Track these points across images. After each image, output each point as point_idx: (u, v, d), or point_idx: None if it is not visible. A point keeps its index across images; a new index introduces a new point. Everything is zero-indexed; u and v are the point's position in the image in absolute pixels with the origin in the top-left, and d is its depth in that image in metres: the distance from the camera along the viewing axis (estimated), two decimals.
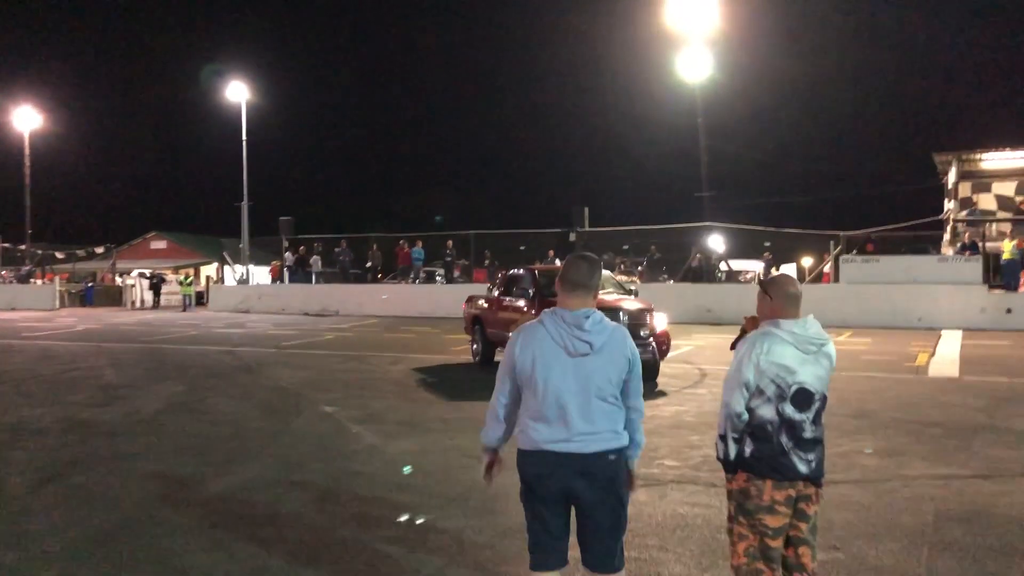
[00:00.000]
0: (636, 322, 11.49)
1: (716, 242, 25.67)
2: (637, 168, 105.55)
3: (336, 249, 30.94)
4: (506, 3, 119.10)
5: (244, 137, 34.45)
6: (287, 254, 32.26)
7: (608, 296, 12.22)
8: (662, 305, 23.38)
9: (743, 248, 27.66)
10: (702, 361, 14.61)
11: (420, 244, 29.47)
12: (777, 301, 3.29)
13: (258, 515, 5.56)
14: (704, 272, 25.43)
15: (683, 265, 25.95)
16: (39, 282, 37.47)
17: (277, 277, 33.37)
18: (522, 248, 28.16)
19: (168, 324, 25.33)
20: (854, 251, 23.49)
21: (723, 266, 26.69)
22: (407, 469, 6.85)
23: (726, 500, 3.40)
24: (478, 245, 28.92)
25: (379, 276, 31.31)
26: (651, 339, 11.71)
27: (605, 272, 13.80)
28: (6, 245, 39.53)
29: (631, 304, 12.24)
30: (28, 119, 37.77)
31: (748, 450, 3.18)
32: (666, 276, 27.20)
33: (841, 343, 16.38)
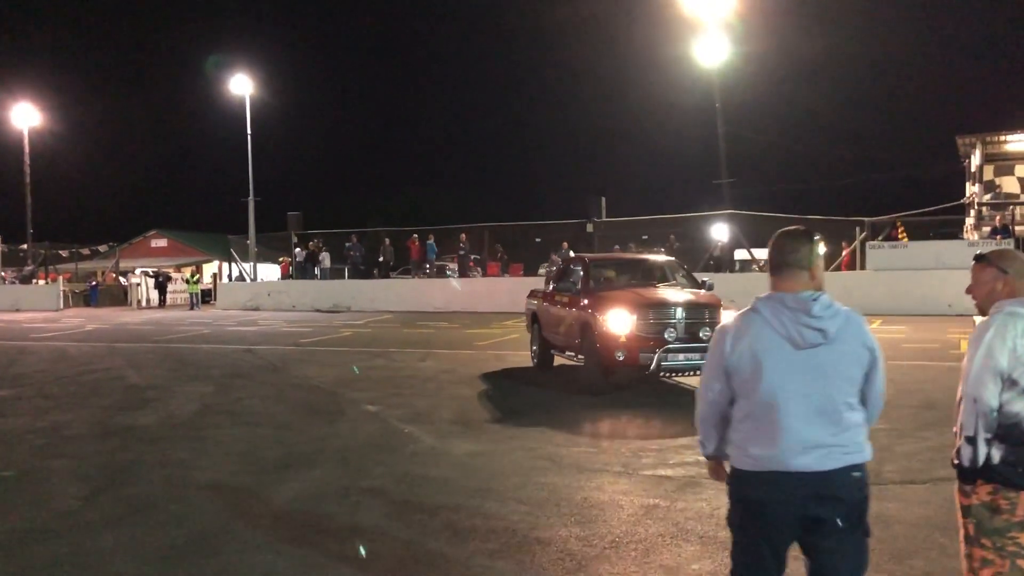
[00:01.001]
0: (701, 320, 9.91)
1: (736, 230, 25.21)
2: (654, 156, 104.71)
3: (346, 244, 30.44)
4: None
5: (248, 131, 33.91)
6: (296, 250, 31.76)
7: (672, 289, 10.87)
8: None
9: (765, 236, 27.12)
10: None
11: (432, 238, 28.99)
12: (1019, 279, 2.85)
13: (337, 528, 5.11)
14: (725, 261, 24.98)
15: (704, 255, 25.51)
16: (42, 282, 36.91)
17: (287, 274, 32.87)
18: (538, 240, 27.70)
19: (178, 323, 24.83)
20: (880, 237, 23.06)
21: (743, 254, 26.25)
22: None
23: (960, 518, 2.88)
24: (491, 238, 28.46)
25: (390, 270, 30.85)
26: None
27: (668, 260, 12.57)
28: (7, 245, 38.93)
29: (700, 298, 10.48)
30: (27, 116, 37.16)
31: (997, 455, 2.71)
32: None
33: (876, 331, 15.96)
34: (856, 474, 2.56)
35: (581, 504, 5.50)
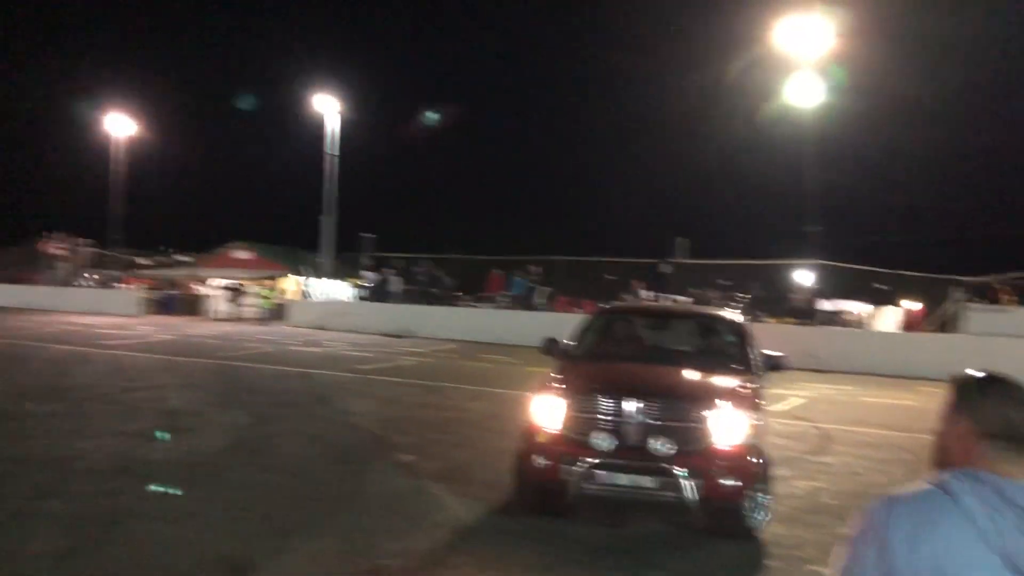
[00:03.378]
0: (673, 421, 6.27)
1: (821, 280, 23.89)
2: (738, 199, 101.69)
3: (417, 269, 30.09)
4: (602, 26, 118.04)
5: (328, 150, 34.01)
6: (367, 272, 31.56)
7: (661, 369, 7.29)
8: (763, 346, 21.88)
9: (852, 287, 25.75)
10: (818, 417, 13.04)
11: (521, 273, 28.15)
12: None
13: None
14: (808, 313, 23.65)
15: (785, 304, 24.23)
16: (123, 287, 37.67)
17: (358, 295, 32.73)
18: (610, 277, 26.77)
19: (244, 338, 24.73)
20: (976, 298, 21.45)
21: (827, 305, 24.87)
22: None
23: None
24: (562, 272, 27.66)
25: (458, 297, 30.36)
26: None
27: (719, 317, 8.95)
28: (97, 251, 39.95)
29: (696, 385, 6.92)
30: (118, 126, 38.19)
31: None
32: (765, 315, 25.50)
33: None
34: None
35: None
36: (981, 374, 1.95)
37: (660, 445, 6.14)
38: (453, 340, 26.00)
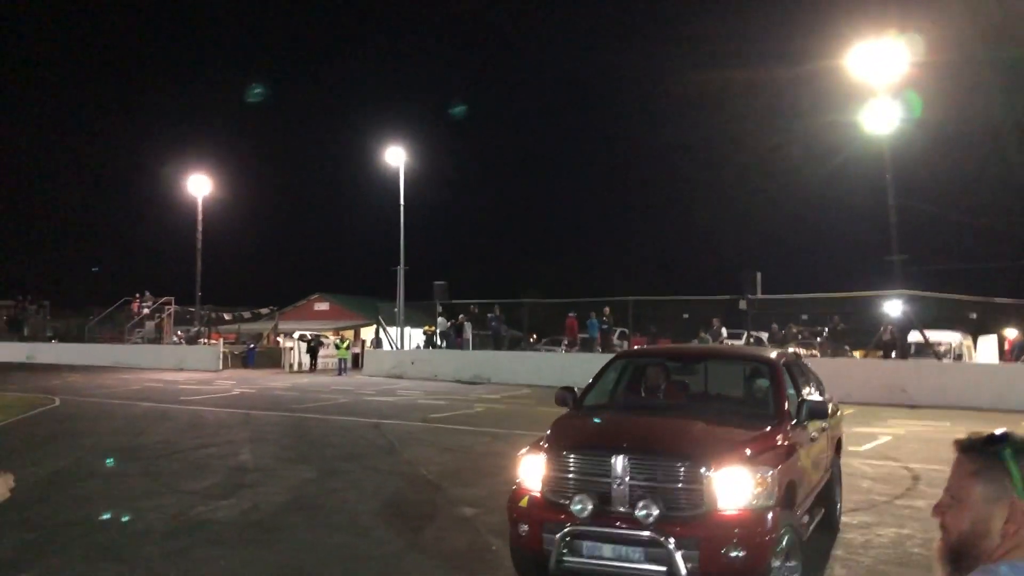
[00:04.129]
0: (669, 482, 5.41)
1: (909, 311, 22.85)
2: (815, 231, 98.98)
3: (489, 315, 30.03)
4: (668, 54, 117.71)
5: (402, 201, 34.46)
6: (440, 319, 31.67)
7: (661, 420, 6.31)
8: (847, 382, 21.09)
9: (942, 318, 24.55)
10: (907, 457, 12.29)
11: (596, 315, 27.80)
12: None
13: None
14: (897, 346, 22.60)
15: (871, 337, 23.23)
16: (206, 342, 38.64)
17: (429, 342, 32.84)
18: (686, 316, 26.20)
19: (321, 389, 24.95)
20: None
21: (915, 337, 23.75)
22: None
23: None
24: (636, 311, 27.18)
25: (532, 341, 30.13)
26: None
27: (761, 357, 7.51)
28: (178, 307, 41.17)
29: (700, 439, 5.74)
30: (201, 186, 39.52)
31: None
32: (849, 349, 24.49)
33: None
34: None
35: None
36: (1013, 433, 1.63)
37: (647, 509, 5.15)
38: (527, 385, 25.71)
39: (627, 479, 5.30)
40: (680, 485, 5.26)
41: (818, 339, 26.00)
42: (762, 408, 6.54)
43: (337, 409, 18.95)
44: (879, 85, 23.42)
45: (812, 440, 6.54)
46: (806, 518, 6.56)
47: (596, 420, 6.53)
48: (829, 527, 7.55)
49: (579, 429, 6.23)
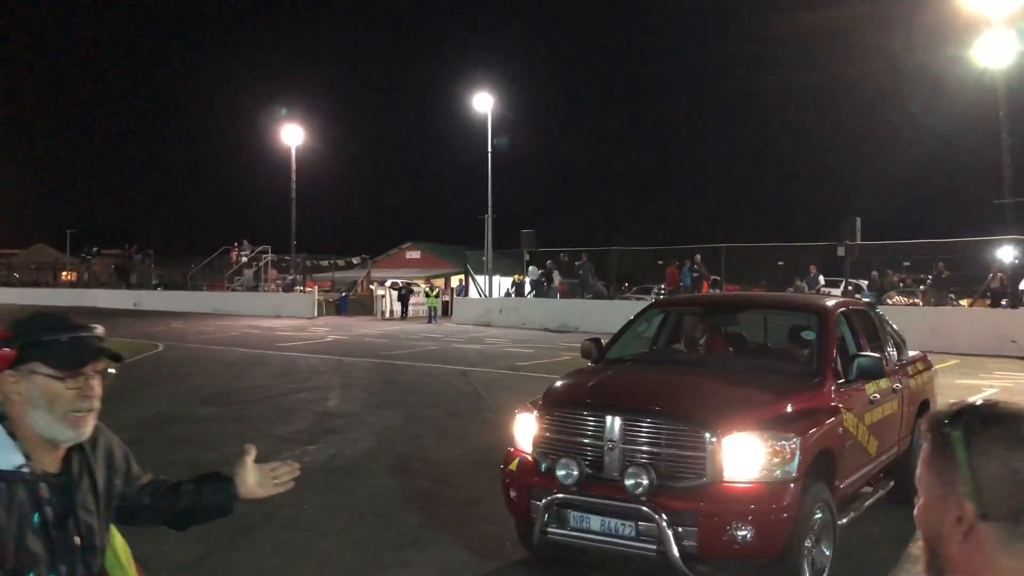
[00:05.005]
0: (675, 446, 4.78)
1: (1020, 257, 21.59)
2: (919, 173, 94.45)
3: (577, 263, 29.80)
4: None
5: (490, 148, 34.31)
6: (531, 268, 31.62)
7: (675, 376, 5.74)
8: (952, 332, 20.20)
9: None
10: None
11: (689, 263, 27.15)
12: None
13: None
14: (1007, 295, 21.44)
15: (979, 285, 22.10)
16: (302, 290, 39.65)
17: (519, 291, 32.89)
18: (780, 263, 25.43)
19: (410, 336, 25.30)
20: None
21: None
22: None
23: None
24: (729, 259, 26.50)
25: (624, 289, 29.81)
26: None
27: (814, 305, 6.71)
28: (275, 256, 42.30)
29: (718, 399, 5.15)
30: (294, 135, 40.23)
31: None
32: (955, 298, 23.39)
33: None
34: None
35: None
36: (975, 405, 1.22)
37: (636, 478, 4.53)
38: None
39: (621, 443, 4.72)
40: (681, 451, 4.65)
41: (921, 287, 24.90)
42: (805, 365, 5.84)
43: (426, 356, 19.16)
44: (993, 15, 21.90)
45: (872, 402, 5.82)
46: (867, 490, 6.08)
47: (599, 376, 5.82)
48: (908, 500, 6.90)
49: (576, 385, 5.66)
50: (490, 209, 33.63)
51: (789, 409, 4.99)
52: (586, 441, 4.89)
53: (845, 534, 5.41)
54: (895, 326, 7.41)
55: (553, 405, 5.24)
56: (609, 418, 4.78)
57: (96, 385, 1.89)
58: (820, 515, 4.76)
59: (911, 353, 7.53)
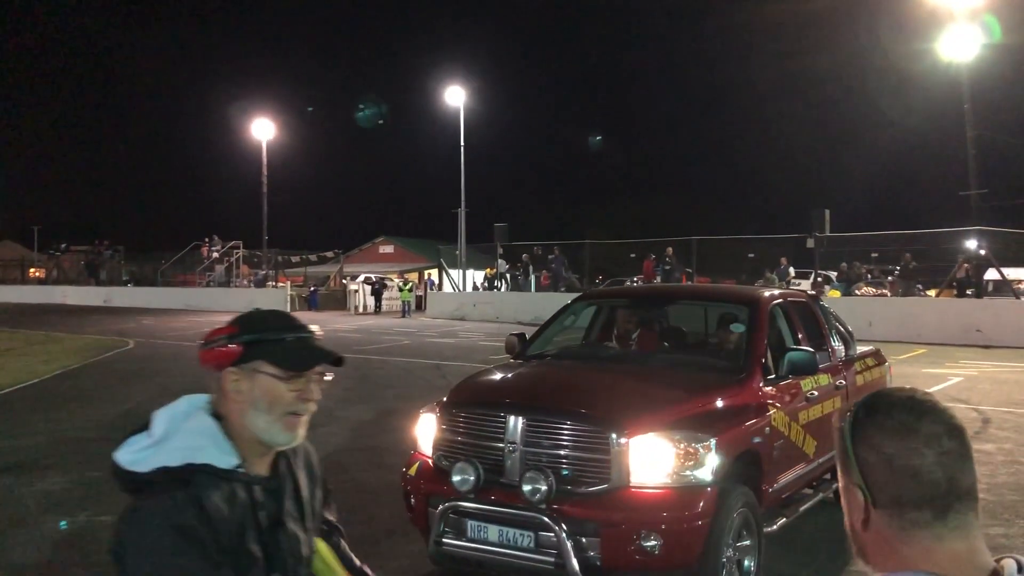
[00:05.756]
0: (578, 450, 4.38)
1: (986, 248, 21.96)
2: (886, 165, 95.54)
3: (550, 256, 29.91)
4: None
5: (462, 142, 34.31)
6: (500, 261, 31.70)
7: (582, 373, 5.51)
8: (920, 322, 20.55)
9: (1021, 255, 23.57)
10: (978, 399, 11.88)
11: (662, 257, 27.29)
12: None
13: None
14: (972, 285, 21.82)
15: (945, 276, 22.45)
16: (274, 285, 39.43)
17: (491, 285, 32.97)
18: (751, 255, 25.68)
19: (384, 331, 25.30)
20: None
21: (992, 275, 22.88)
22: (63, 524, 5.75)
23: None
24: (700, 251, 26.72)
25: (598, 282, 29.93)
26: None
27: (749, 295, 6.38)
28: (247, 251, 42.01)
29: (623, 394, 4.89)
30: (265, 130, 39.95)
31: None
32: (922, 288, 23.71)
33: None
34: None
35: None
36: (867, 396, 1.26)
37: (534, 483, 4.14)
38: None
39: (522, 445, 4.33)
40: (585, 454, 4.27)
41: (889, 278, 25.26)
42: (733, 360, 5.42)
43: (400, 351, 19.19)
44: (957, 9, 22.22)
45: (809, 400, 5.50)
46: (808, 492, 5.78)
47: (509, 373, 5.52)
48: None
49: (482, 383, 5.32)
50: (463, 203, 33.68)
51: (708, 408, 4.64)
52: (487, 443, 4.49)
53: (788, 537, 5.38)
54: (842, 320, 7.04)
55: (455, 404, 4.83)
56: (512, 418, 4.41)
57: (316, 389, 1.79)
58: (742, 522, 4.41)
59: (862, 348, 7.17)
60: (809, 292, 6.95)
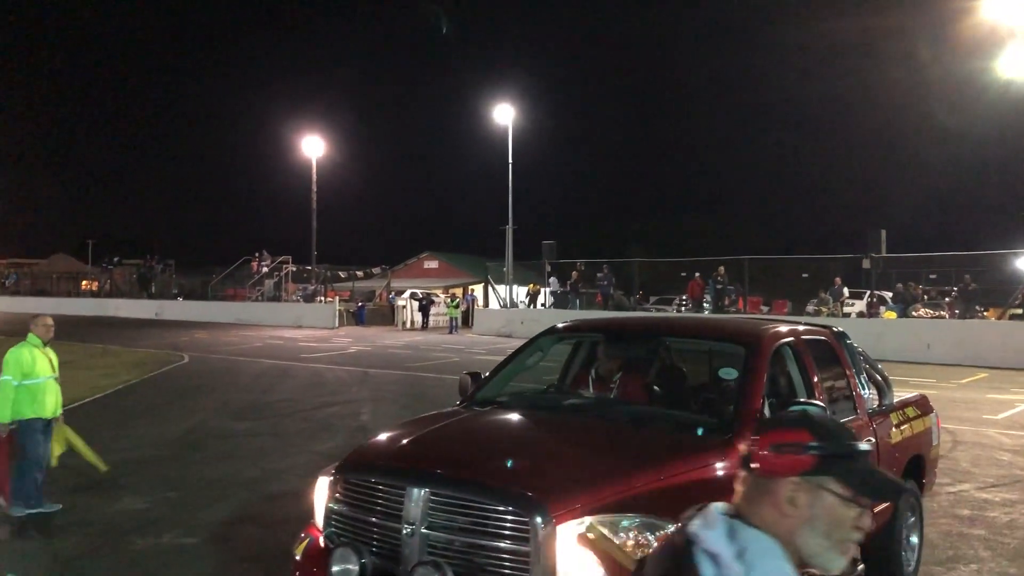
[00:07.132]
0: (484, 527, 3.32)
1: None
2: (947, 185, 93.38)
3: (598, 274, 29.81)
4: (781, 8, 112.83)
5: (510, 159, 34.38)
6: (550, 279, 31.68)
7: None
8: (981, 345, 20.02)
9: None
10: None
11: (709, 276, 27.05)
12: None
13: None
14: None
15: (1007, 298, 21.95)
16: (323, 300, 39.81)
17: (532, 301, 32.99)
18: (805, 275, 25.33)
19: (432, 347, 25.38)
20: None
21: None
22: None
23: None
24: (753, 271, 26.43)
25: (647, 301, 29.79)
26: None
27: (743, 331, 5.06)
28: (296, 266, 42.49)
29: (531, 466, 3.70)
30: (314, 147, 40.45)
31: None
32: (982, 311, 23.21)
33: None
34: None
35: None
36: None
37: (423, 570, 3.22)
38: None
39: (422, 527, 3.40)
40: (499, 543, 3.25)
41: (947, 299, 24.75)
42: (713, 413, 4.54)
43: (449, 367, 19.19)
44: (1018, 26, 21.81)
45: None
46: None
47: (431, 426, 4.38)
48: None
49: (388, 440, 4.21)
50: (511, 220, 33.71)
51: (672, 481, 3.53)
52: (381, 521, 3.57)
53: None
54: (876, 363, 5.94)
55: (350, 467, 3.88)
56: (414, 490, 3.45)
57: (869, 518, 1.61)
58: None
59: (902, 395, 6.08)
60: (837, 330, 5.57)
